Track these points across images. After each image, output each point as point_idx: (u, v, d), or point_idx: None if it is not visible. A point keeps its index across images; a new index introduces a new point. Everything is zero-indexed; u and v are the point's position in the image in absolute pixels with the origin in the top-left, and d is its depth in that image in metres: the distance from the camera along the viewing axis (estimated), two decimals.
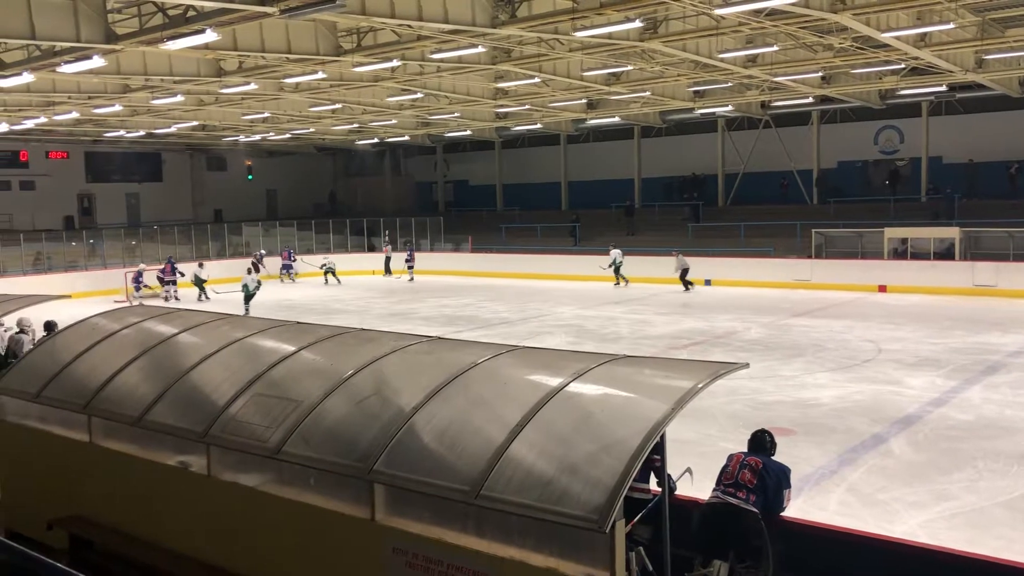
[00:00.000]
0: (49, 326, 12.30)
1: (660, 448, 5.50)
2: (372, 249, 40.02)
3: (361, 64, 21.38)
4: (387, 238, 38.86)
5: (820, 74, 26.29)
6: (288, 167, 50.94)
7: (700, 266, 29.94)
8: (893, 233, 28.47)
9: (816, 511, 8.09)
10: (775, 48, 21.36)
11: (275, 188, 50.92)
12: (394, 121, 35.87)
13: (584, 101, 32.39)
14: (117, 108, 28.38)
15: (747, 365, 5.88)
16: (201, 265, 29.99)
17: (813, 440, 10.88)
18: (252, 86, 24.12)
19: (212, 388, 6.97)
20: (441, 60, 22.21)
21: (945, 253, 27.17)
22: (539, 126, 38.47)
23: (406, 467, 5.45)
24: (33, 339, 12.27)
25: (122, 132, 36.55)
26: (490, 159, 47.69)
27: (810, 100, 31.70)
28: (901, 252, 28.22)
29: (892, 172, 35.17)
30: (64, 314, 12.46)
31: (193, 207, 47.25)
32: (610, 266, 29.87)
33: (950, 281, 25.46)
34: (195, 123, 34.26)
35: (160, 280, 29.45)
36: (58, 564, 3.54)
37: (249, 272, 26.72)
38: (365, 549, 5.60)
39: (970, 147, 32.72)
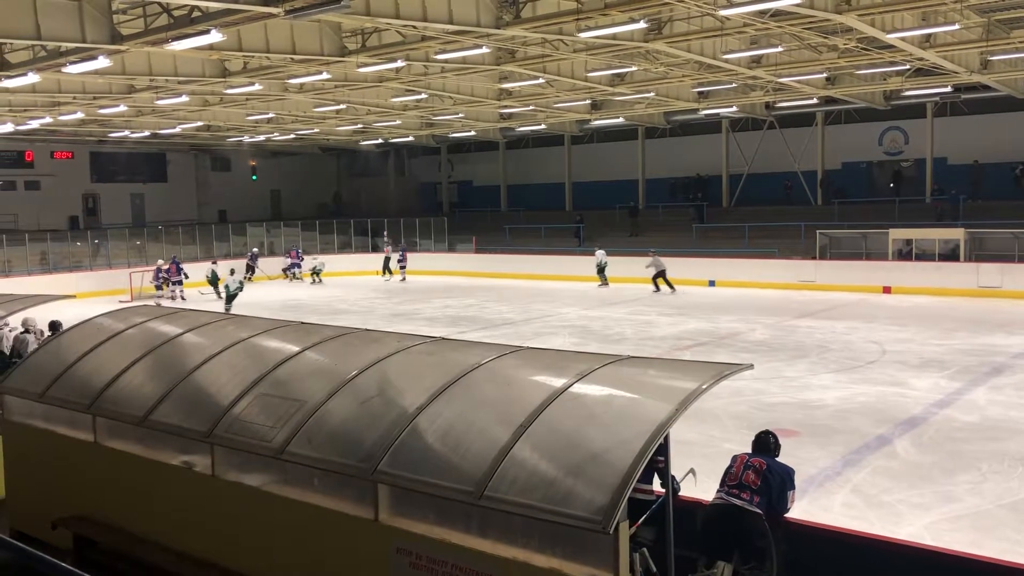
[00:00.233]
0: (54, 326, 12.33)
1: (664, 449, 5.50)
2: (376, 250, 39.97)
3: (365, 65, 21.38)
4: (387, 238, 38.87)
5: (824, 75, 26.21)
6: (292, 168, 50.91)
7: (704, 267, 29.96)
8: (898, 234, 28.44)
9: (820, 512, 8.07)
10: (779, 49, 21.29)
11: (279, 189, 50.86)
12: (398, 122, 35.84)
13: (588, 102, 32.33)
14: (122, 108, 28.44)
15: (751, 366, 5.88)
16: (215, 263, 30.41)
17: (817, 441, 10.87)
18: (256, 87, 24.15)
19: (216, 388, 6.98)
20: (445, 61, 22.22)
21: (950, 254, 27.14)
22: (543, 127, 38.40)
23: (410, 467, 5.45)
24: (38, 339, 12.29)
25: (127, 132, 36.60)
26: (494, 160, 47.62)
27: (814, 101, 31.61)
28: (906, 253, 28.18)
29: (896, 173, 35.04)
30: (69, 314, 12.50)
31: (197, 207, 47.25)
32: (600, 269, 30.02)
33: (955, 282, 25.41)
34: (199, 123, 34.27)
35: (166, 280, 29.59)
36: (62, 563, 3.54)
37: (232, 272, 26.74)
38: (369, 549, 5.60)
39: (975, 148, 32.58)
